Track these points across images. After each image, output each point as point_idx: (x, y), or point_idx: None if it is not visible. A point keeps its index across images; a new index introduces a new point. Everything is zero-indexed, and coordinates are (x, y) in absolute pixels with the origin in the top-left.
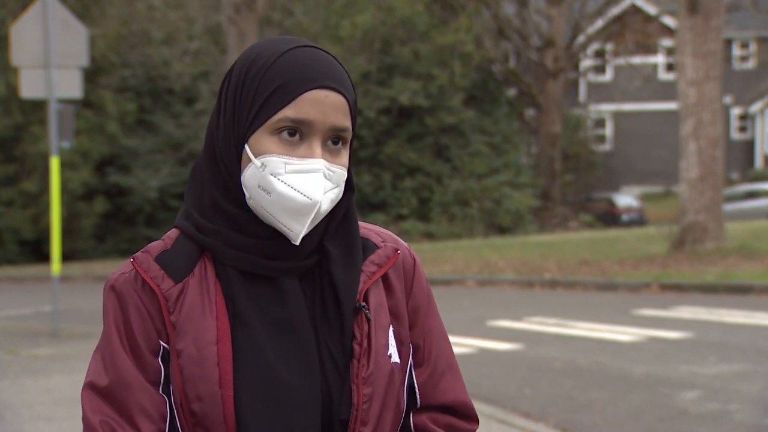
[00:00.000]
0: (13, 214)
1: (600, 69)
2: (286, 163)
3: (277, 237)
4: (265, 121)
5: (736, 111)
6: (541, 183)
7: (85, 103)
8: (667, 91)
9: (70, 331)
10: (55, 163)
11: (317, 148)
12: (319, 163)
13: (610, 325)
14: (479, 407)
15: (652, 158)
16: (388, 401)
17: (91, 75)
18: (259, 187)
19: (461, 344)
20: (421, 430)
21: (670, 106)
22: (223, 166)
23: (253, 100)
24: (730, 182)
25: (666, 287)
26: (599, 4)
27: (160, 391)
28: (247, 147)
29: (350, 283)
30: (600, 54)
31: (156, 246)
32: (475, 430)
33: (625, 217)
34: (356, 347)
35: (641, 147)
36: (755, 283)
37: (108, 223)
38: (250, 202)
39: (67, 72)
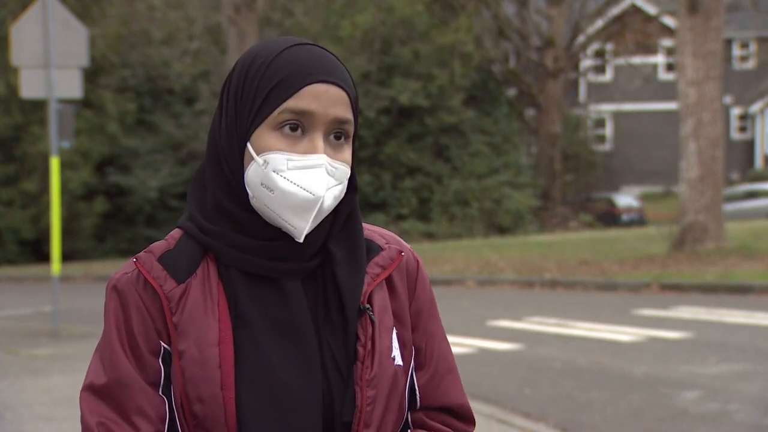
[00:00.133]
0: (13, 214)
1: (600, 69)
2: (288, 160)
3: (280, 238)
4: (267, 116)
5: (736, 111)
6: (541, 183)
7: (85, 103)
8: (667, 91)
9: (70, 331)
10: (55, 163)
11: (319, 141)
12: (321, 159)
13: (610, 325)
14: (479, 407)
15: (652, 158)
16: (391, 403)
17: (91, 75)
18: (262, 184)
19: (461, 344)
20: (418, 425)
21: (670, 106)
22: (226, 166)
23: (254, 98)
24: (730, 182)
25: (666, 287)
26: (599, 4)
27: (160, 392)
28: (249, 145)
29: (354, 285)
30: (600, 54)
31: (159, 246)
32: (472, 431)
33: (625, 217)
34: (360, 349)
35: (641, 147)
36: (755, 283)
37: (108, 223)
38: (254, 201)
39: (67, 72)
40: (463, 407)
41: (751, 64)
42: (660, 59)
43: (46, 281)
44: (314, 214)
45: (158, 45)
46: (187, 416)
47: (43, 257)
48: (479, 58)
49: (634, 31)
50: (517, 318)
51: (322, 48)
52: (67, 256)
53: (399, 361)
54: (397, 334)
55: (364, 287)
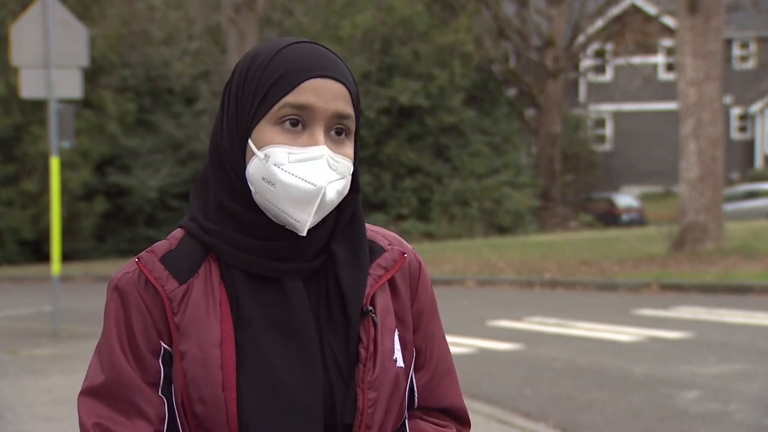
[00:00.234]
0: (13, 214)
1: (600, 69)
2: (289, 153)
3: (283, 238)
4: (267, 112)
5: (736, 111)
6: (541, 183)
7: (85, 103)
8: (667, 91)
9: (70, 331)
10: (55, 163)
11: (320, 135)
12: (321, 150)
13: (610, 325)
14: (479, 407)
15: (652, 158)
16: (392, 406)
17: (91, 75)
18: (263, 179)
19: (461, 344)
20: (415, 425)
21: (670, 106)
22: (228, 165)
23: (254, 94)
24: (730, 182)
25: (666, 287)
26: (599, 4)
27: (160, 393)
28: (250, 141)
29: (357, 287)
30: (600, 54)
31: (161, 246)
32: None
33: (625, 217)
34: (362, 351)
35: (641, 147)
36: (755, 283)
37: (108, 223)
38: (256, 197)
39: (67, 72)
40: (460, 410)
41: (751, 64)
42: (660, 59)
43: (46, 281)
44: (316, 205)
45: (158, 45)
46: (189, 417)
47: (43, 257)
48: (479, 58)
49: (634, 31)
50: (517, 318)
51: (321, 46)
52: (67, 256)
53: (401, 363)
54: (398, 335)
55: (367, 289)
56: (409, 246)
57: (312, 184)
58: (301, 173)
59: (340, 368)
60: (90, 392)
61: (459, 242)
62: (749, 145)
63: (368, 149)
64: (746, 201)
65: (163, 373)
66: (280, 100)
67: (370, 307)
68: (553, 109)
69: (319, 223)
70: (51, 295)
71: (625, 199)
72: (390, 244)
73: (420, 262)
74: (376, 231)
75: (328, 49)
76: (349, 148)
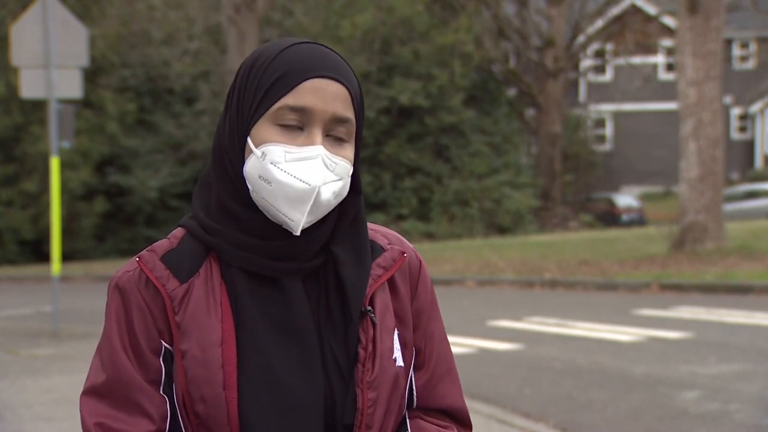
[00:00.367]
0: (13, 214)
1: (600, 69)
2: (286, 152)
3: (281, 238)
4: (266, 111)
5: (736, 111)
6: (541, 183)
7: (85, 103)
8: (667, 91)
9: (70, 331)
10: (55, 163)
11: (317, 136)
12: (318, 150)
13: (610, 325)
14: (479, 407)
15: (652, 158)
16: (392, 405)
17: (91, 75)
18: (260, 177)
19: (461, 344)
20: (415, 425)
21: (670, 106)
22: (228, 163)
23: (255, 93)
24: (730, 182)
25: (666, 287)
26: (599, 4)
27: (161, 392)
28: (249, 139)
29: (357, 287)
30: (600, 54)
31: (162, 245)
32: None
33: (625, 217)
34: (361, 351)
35: (641, 147)
36: (755, 283)
37: (108, 223)
38: (254, 195)
39: (67, 72)
40: (460, 410)
41: (751, 64)
42: (660, 59)
43: (46, 281)
44: (310, 205)
45: (158, 45)
46: (190, 416)
47: (43, 257)
48: (479, 58)
49: (634, 31)
50: (517, 318)
51: (325, 47)
52: (67, 256)
53: (400, 362)
54: (398, 334)
55: (366, 289)
56: (410, 245)
57: (306, 183)
58: (297, 172)
59: (340, 368)
60: (92, 391)
61: (459, 242)
62: (749, 145)
63: (368, 149)
64: (746, 201)
65: (164, 372)
66: (279, 100)
67: (369, 308)
68: (553, 109)
69: (318, 223)
70: (51, 295)
71: (625, 199)
72: (390, 244)
73: (420, 261)
74: (376, 230)
75: (332, 50)
76: (349, 151)
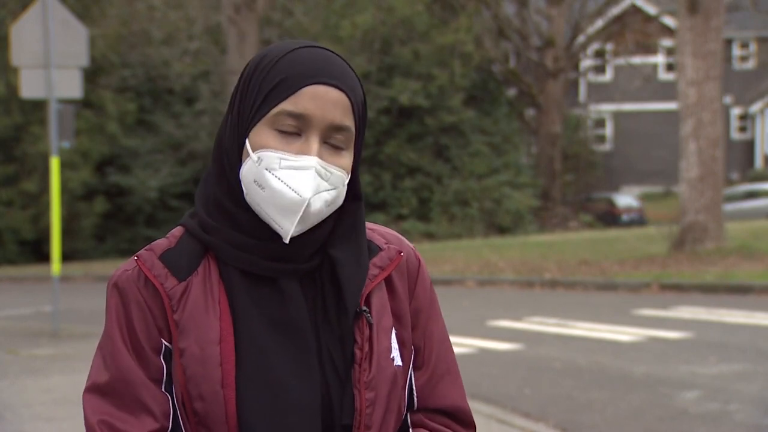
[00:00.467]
0: (13, 214)
1: (600, 69)
2: (281, 159)
3: (277, 239)
4: (265, 115)
5: (736, 111)
6: (541, 183)
7: (85, 103)
8: (667, 91)
9: (70, 331)
10: (55, 163)
11: (314, 144)
12: (311, 161)
13: (610, 325)
14: (479, 407)
15: (652, 158)
16: (391, 404)
17: (91, 75)
18: (254, 182)
19: (461, 344)
20: (418, 426)
21: (670, 106)
22: (227, 164)
23: (255, 96)
24: (730, 182)
25: (666, 287)
26: (599, 4)
27: (163, 389)
28: (247, 142)
29: (354, 287)
30: (600, 54)
31: (160, 244)
32: None
33: (625, 217)
34: (357, 351)
35: (641, 147)
36: (755, 283)
37: (108, 223)
38: (248, 198)
39: (67, 72)
40: (461, 410)
41: (751, 64)
42: (660, 59)
43: (46, 281)
44: (300, 215)
45: (158, 45)
46: (189, 414)
47: (43, 257)
48: (479, 58)
49: (634, 31)
50: (517, 318)
51: (331, 52)
52: (67, 256)
53: (398, 361)
54: (396, 334)
55: (362, 289)
56: (410, 244)
57: (297, 193)
58: (289, 181)
59: (337, 368)
60: (94, 389)
61: (459, 242)
62: (749, 145)
63: (368, 149)
64: (746, 201)
65: (166, 370)
66: (278, 104)
67: (365, 308)
68: (553, 109)
69: (315, 226)
70: (51, 295)
71: (625, 199)
72: (387, 243)
73: (419, 260)
74: (374, 230)
75: (338, 55)
76: (346, 159)
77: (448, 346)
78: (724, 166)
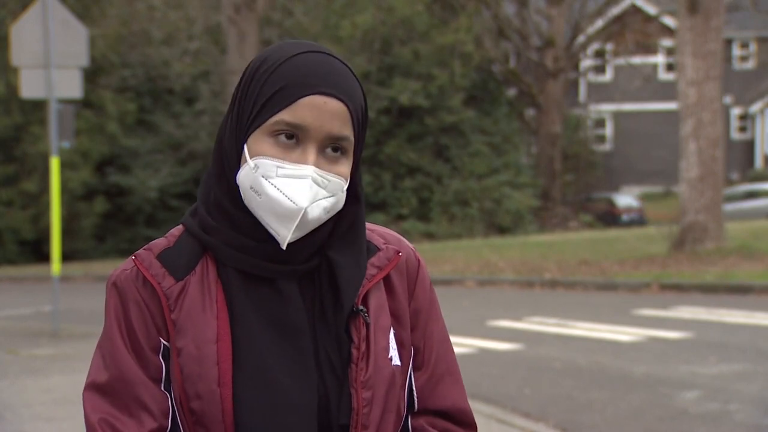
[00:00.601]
0: (13, 214)
1: (600, 69)
2: (278, 167)
3: (275, 241)
4: (263, 122)
5: (736, 111)
6: (541, 183)
7: (85, 103)
8: (667, 91)
9: (70, 331)
10: (55, 163)
11: (311, 154)
12: (308, 170)
13: (610, 325)
14: (479, 407)
15: (652, 158)
16: (390, 404)
17: (91, 75)
18: (251, 188)
19: (461, 344)
20: (418, 430)
21: (670, 106)
22: (227, 165)
23: (254, 102)
24: (730, 182)
25: (666, 287)
26: (599, 4)
27: (162, 389)
28: (245, 147)
29: (351, 287)
30: (600, 54)
31: (159, 243)
32: None
33: (625, 217)
34: (354, 351)
35: (641, 147)
36: (755, 283)
37: (108, 223)
38: (245, 202)
39: (67, 72)
40: (461, 412)
41: (751, 64)
42: (660, 59)
43: (46, 281)
44: (296, 223)
45: (158, 45)
46: (186, 412)
47: (43, 257)
48: (479, 58)
49: (634, 31)
50: (517, 318)
51: (335, 57)
52: (67, 256)
53: (397, 361)
54: (394, 334)
55: (359, 288)
56: (410, 245)
57: (294, 202)
58: (286, 189)
59: (334, 368)
60: (94, 388)
61: (459, 242)
62: (749, 145)
63: (368, 149)
64: (746, 201)
65: (165, 369)
66: (275, 114)
67: (361, 307)
68: (553, 109)
69: (314, 229)
70: (51, 295)
71: (625, 199)
72: (386, 243)
73: (419, 261)
74: (374, 230)
75: (341, 61)
76: (345, 166)
77: (449, 346)
78: (724, 166)
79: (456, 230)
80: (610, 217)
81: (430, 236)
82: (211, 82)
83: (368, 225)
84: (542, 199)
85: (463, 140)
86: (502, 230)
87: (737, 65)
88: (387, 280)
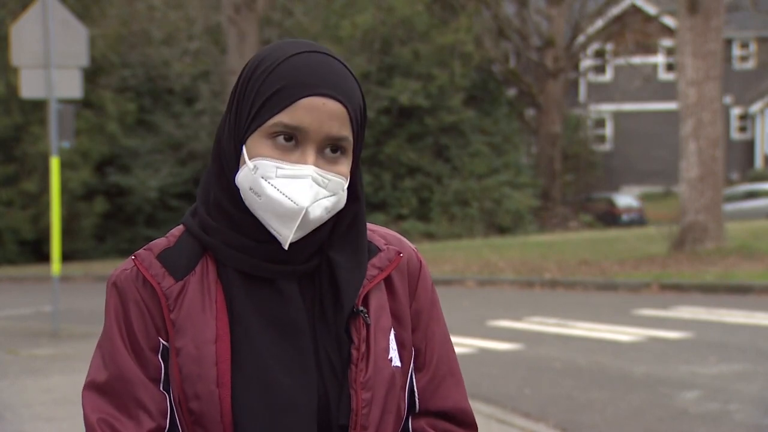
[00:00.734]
0: (13, 214)
1: (600, 69)
2: (277, 168)
3: (275, 241)
4: (262, 124)
5: (736, 111)
6: (541, 183)
7: (85, 103)
8: (667, 91)
9: (70, 331)
10: (55, 163)
11: (310, 155)
12: (308, 170)
13: (610, 325)
14: (479, 407)
15: (652, 158)
16: (389, 406)
17: (91, 75)
18: (250, 189)
19: (461, 344)
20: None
21: (670, 106)
22: (226, 165)
23: (252, 103)
24: (730, 182)
25: (666, 287)
26: (599, 4)
27: (161, 389)
28: (244, 148)
29: (351, 287)
30: (600, 54)
31: (159, 243)
32: None
33: (625, 217)
34: (354, 352)
35: (641, 147)
36: (755, 283)
37: (108, 223)
38: (245, 202)
39: (67, 72)
40: (463, 412)
41: (751, 64)
42: (660, 59)
43: (46, 281)
44: (298, 223)
45: (158, 45)
46: (184, 413)
47: (43, 257)
48: (479, 58)
49: (634, 31)
50: (517, 318)
51: (333, 57)
52: (67, 256)
53: (397, 362)
54: (395, 335)
55: (360, 289)
56: (411, 245)
57: (295, 202)
58: (286, 190)
59: (334, 369)
60: (93, 387)
61: (459, 242)
62: (749, 145)
63: (368, 149)
64: (746, 201)
65: (164, 369)
66: (274, 116)
67: (362, 308)
68: (553, 109)
69: (314, 229)
70: (51, 295)
71: (625, 199)
72: (387, 244)
73: (420, 262)
74: (375, 231)
75: (340, 61)
76: (344, 165)
77: (450, 347)
78: (724, 166)
79: (456, 230)
80: (610, 217)
81: (430, 236)
82: (211, 82)
83: (369, 225)
84: (542, 199)
85: (463, 140)
86: (502, 230)
87: (737, 65)
88: (388, 281)
